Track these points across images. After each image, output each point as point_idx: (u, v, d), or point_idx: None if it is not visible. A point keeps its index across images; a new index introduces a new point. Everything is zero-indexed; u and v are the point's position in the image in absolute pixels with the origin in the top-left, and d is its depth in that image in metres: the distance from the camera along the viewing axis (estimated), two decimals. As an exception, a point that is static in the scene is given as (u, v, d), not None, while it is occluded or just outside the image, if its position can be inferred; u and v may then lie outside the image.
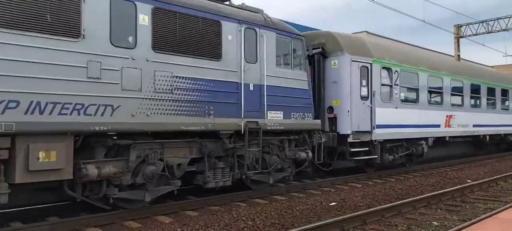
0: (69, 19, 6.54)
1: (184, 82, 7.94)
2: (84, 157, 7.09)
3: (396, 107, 13.51)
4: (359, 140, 12.31)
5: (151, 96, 7.45)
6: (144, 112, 7.33)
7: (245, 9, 9.48)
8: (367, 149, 12.58)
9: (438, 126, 15.72)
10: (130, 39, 7.32)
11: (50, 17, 6.34)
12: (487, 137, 19.61)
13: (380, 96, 12.85)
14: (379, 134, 12.74)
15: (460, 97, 17.24)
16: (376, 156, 12.76)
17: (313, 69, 12.13)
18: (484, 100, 18.89)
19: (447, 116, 16.22)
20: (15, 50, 6.01)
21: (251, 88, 9.17)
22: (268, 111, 9.49)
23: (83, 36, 6.66)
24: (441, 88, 16.01)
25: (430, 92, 15.37)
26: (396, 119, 13.47)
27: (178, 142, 8.18)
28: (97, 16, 6.84)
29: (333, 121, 12.01)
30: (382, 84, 13.03)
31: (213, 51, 8.47)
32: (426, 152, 14.79)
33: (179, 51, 7.91)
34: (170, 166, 8.03)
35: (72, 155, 6.61)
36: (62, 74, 6.41)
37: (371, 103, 12.53)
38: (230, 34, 8.80)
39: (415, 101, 14.60)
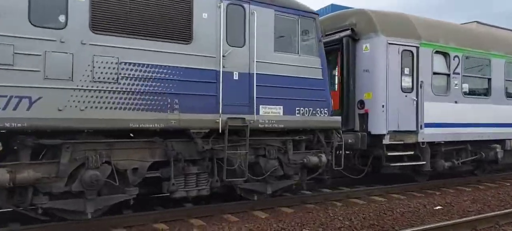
0: (-31, -6, 5.46)
1: (135, 70, 6.54)
2: (12, 159, 6.02)
3: (456, 102, 10.86)
4: (401, 142, 9.97)
5: (87, 86, 6.15)
6: (76, 106, 6.06)
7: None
8: (412, 153, 10.18)
9: (522, 125, 12.55)
10: (61, 18, 6.08)
11: None
12: None
13: (431, 88, 10.34)
14: (429, 135, 10.25)
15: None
16: (424, 162, 10.28)
17: (341, 55, 10.06)
18: None
19: (535, 113, 12.93)
20: None
21: (235, 77, 7.50)
22: (261, 106, 7.74)
23: (-11, 14, 5.55)
24: (527, 78, 12.79)
25: (510, 82, 12.29)
26: (456, 116, 10.82)
27: (133, 142, 6.82)
28: (10, -11, 5.69)
29: (364, 118, 9.84)
30: (435, 73, 10.49)
31: (179, 32, 6.95)
32: (501, 158, 11.80)
33: (130, 32, 6.52)
34: (122, 170, 6.69)
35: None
36: (-43, 59, 5.35)
37: (417, 97, 10.10)
38: (206, 11, 7.21)
39: (486, 94, 11.71)
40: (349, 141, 9.43)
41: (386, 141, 9.66)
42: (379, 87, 9.67)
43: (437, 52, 10.55)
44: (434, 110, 10.33)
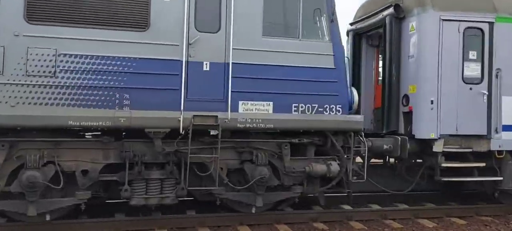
0: None
1: (76, 62, 5.90)
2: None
3: None
4: (469, 149, 7.54)
5: (20, 81, 5.73)
6: (6, 102, 5.68)
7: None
8: (484, 165, 7.64)
9: None
10: (-8, 9, 5.77)
11: None
12: None
13: (515, 77, 7.65)
14: (510, 141, 7.57)
15: None
16: (500, 178, 7.63)
17: (384, 39, 8.05)
18: None
19: None
20: None
21: (206, 68, 6.36)
22: (240, 102, 6.47)
23: None
24: None
25: None
26: None
27: (82, 142, 6.23)
28: None
29: (409, 118, 7.69)
30: (523, 57, 7.73)
31: (132, 18, 6.12)
32: None
33: (70, 20, 5.91)
34: (69, 172, 6.14)
35: None
36: None
37: (490, 89, 7.54)
38: (168, -8, 6.27)
39: None
40: (385, 146, 7.46)
41: (437, 148, 7.38)
42: (426, 78, 7.44)
43: (528, 27, 7.76)
44: (521, 108, 7.62)
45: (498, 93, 7.55)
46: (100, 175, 6.25)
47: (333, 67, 6.85)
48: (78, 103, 5.91)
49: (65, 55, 5.87)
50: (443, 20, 7.42)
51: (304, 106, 6.71)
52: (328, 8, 6.89)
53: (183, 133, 6.25)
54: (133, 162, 6.26)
